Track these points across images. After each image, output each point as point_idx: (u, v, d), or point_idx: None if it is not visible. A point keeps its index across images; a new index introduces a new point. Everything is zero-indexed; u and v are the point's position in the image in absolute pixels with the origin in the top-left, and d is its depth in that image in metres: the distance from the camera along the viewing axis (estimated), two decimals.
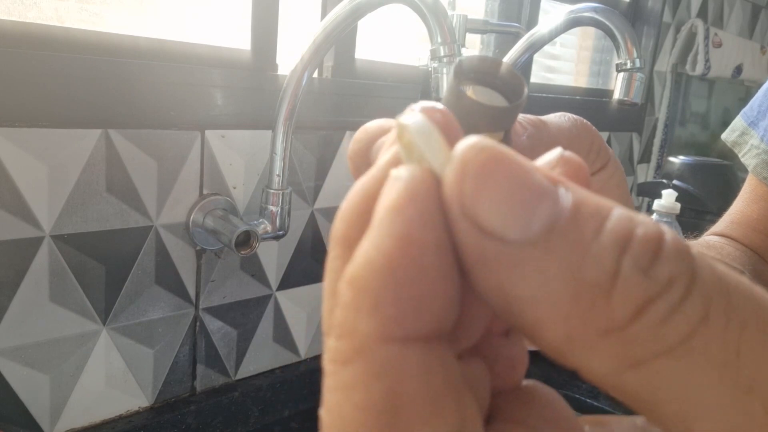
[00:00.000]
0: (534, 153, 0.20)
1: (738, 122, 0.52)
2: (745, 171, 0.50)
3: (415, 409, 0.10)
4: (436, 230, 0.10)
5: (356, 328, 0.10)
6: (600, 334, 0.10)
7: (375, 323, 0.10)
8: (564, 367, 0.11)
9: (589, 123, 0.25)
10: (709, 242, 0.45)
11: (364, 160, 0.18)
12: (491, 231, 0.10)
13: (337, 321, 0.10)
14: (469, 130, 0.15)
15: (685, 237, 0.47)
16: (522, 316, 0.10)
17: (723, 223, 0.48)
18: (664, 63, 1.54)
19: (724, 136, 0.53)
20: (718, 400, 0.09)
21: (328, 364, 0.10)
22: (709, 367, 0.09)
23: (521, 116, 0.22)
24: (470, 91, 0.17)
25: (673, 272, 0.10)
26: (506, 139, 0.18)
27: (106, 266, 0.63)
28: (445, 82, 0.63)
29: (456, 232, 0.10)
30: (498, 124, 0.16)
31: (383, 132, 0.18)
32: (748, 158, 0.49)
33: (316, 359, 0.86)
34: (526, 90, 0.17)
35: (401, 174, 0.11)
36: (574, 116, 0.24)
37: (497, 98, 0.17)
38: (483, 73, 0.17)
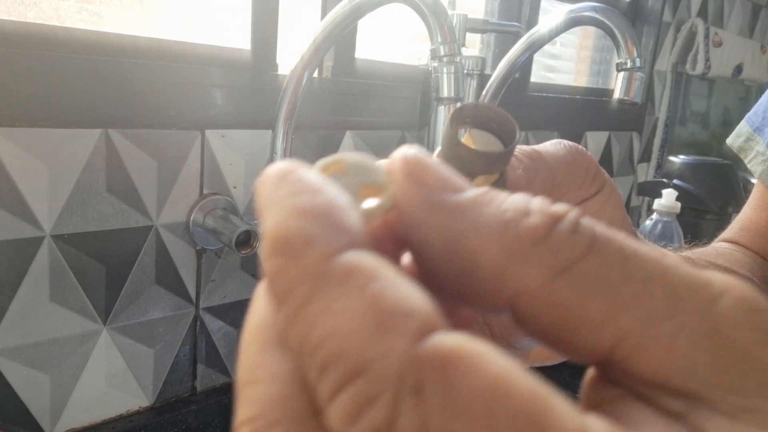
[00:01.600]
0: (530, 184, 0.23)
1: (743, 127, 0.51)
2: (746, 171, 0.49)
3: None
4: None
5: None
6: (531, 245, 0.12)
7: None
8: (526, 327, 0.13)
9: (583, 149, 0.26)
10: (718, 249, 0.45)
11: None
12: (437, 187, 0.13)
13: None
14: (466, 174, 0.18)
15: (690, 242, 0.47)
16: (465, 247, 0.12)
17: (732, 230, 0.48)
18: (664, 62, 1.53)
19: (729, 141, 0.53)
20: (629, 290, 0.11)
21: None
22: (618, 262, 0.12)
23: (516, 148, 0.23)
24: (467, 134, 0.19)
25: (567, 208, 0.13)
26: (502, 177, 0.19)
27: (107, 266, 0.63)
28: (446, 82, 0.63)
29: (410, 198, 0.13)
30: (493, 167, 0.18)
31: None
32: (754, 165, 0.49)
33: None
34: (518, 134, 0.18)
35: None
36: (570, 143, 0.26)
37: (493, 140, 0.19)
38: (479, 117, 0.19)
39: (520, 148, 0.24)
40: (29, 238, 0.58)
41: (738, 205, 1.23)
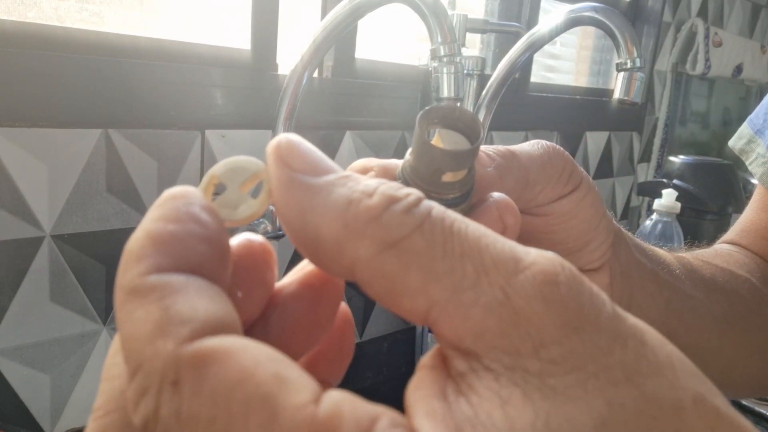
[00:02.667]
0: (502, 181, 0.24)
1: (744, 129, 0.52)
2: (747, 171, 0.49)
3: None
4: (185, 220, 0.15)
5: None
6: (366, 221, 0.14)
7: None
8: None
9: (560, 149, 0.27)
10: (717, 250, 0.45)
11: None
12: (301, 170, 0.15)
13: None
14: (434, 171, 0.20)
15: (690, 244, 0.47)
16: (312, 222, 0.14)
17: (733, 231, 0.48)
18: (664, 62, 1.53)
19: (731, 143, 0.53)
20: (445, 265, 0.13)
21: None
22: (440, 241, 0.13)
23: (491, 148, 0.25)
24: (437, 134, 0.20)
25: (408, 192, 0.14)
26: (470, 173, 0.21)
27: (106, 266, 0.63)
28: (446, 82, 0.63)
29: (276, 179, 0.15)
30: (459, 164, 0.20)
31: (366, 171, 0.22)
32: (755, 167, 0.49)
33: None
34: (483, 133, 0.20)
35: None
36: (546, 143, 0.27)
37: (461, 139, 0.20)
38: (447, 118, 0.20)
39: (495, 148, 0.25)
40: (29, 238, 0.58)
41: (738, 206, 1.23)
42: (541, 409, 0.11)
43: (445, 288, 0.13)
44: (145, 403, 0.12)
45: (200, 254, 0.14)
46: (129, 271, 0.13)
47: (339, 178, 0.15)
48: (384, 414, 0.12)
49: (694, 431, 0.12)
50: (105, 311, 0.64)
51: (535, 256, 0.13)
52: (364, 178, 0.15)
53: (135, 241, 0.14)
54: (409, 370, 0.94)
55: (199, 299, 0.13)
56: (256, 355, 0.12)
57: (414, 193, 0.14)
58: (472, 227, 0.14)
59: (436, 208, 0.14)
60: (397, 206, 0.14)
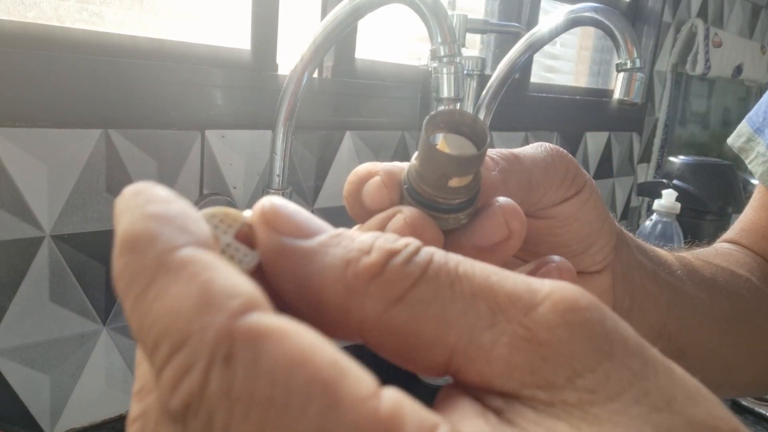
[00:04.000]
0: (506, 185, 0.24)
1: (744, 127, 0.51)
2: (746, 171, 0.49)
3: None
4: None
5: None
6: (368, 280, 0.13)
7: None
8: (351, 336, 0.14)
9: (564, 151, 0.27)
10: (718, 249, 0.45)
11: (356, 199, 0.21)
12: (290, 233, 0.15)
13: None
14: (441, 177, 0.19)
15: (691, 243, 0.47)
16: (312, 288, 0.14)
17: (733, 231, 0.48)
18: (664, 63, 1.53)
19: (730, 141, 0.52)
20: (457, 308, 0.13)
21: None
22: (447, 285, 0.13)
23: (494, 151, 0.25)
24: (442, 139, 0.20)
25: (406, 243, 0.14)
26: (476, 178, 0.20)
27: (106, 266, 0.63)
28: (446, 82, 0.63)
29: (265, 245, 0.15)
30: (466, 170, 0.19)
31: (371, 175, 0.21)
32: (754, 165, 0.49)
33: None
34: (489, 137, 0.19)
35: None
36: (550, 146, 0.27)
37: (467, 144, 0.20)
38: (453, 122, 0.20)
39: (498, 151, 0.25)
40: (29, 238, 0.58)
41: (738, 206, 1.23)
42: None
43: (462, 332, 0.13)
44: (190, 381, 0.11)
45: (208, 233, 0.13)
46: (145, 251, 0.12)
47: (331, 238, 0.14)
48: (443, 423, 0.11)
49: None
50: (105, 311, 0.64)
51: (552, 285, 0.13)
52: (357, 234, 0.15)
53: (135, 224, 0.13)
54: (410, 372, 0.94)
55: (235, 275, 0.12)
56: (312, 339, 0.11)
57: (412, 242, 0.14)
58: (479, 266, 0.14)
59: (438, 253, 0.14)
60: (398, 259, 0.14)
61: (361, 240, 0.14)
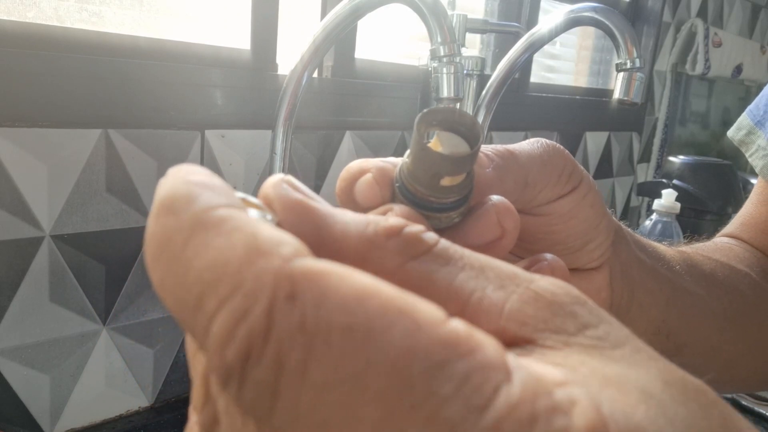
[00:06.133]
0: (501, 182, 0.24)
1: (744, 120, 0.51)
2: (745, 170, 0.49)
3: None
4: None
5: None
6: (387, 236, 0.14)
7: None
8: None
9: (560, 147, 0.27)
10: (717, 243, 0.45)
11: (348, 197, 0.21)
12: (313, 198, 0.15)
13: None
14: (433, 176, 0.19)
15: (690, 238, 0.47)
16: (331, 238, 0.14)
17: (733, 225, 0.48)
18: (664, 62, 1.53)
19: (730, 133, 0.52)
20: (468, 273, 0.14)
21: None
22: (457, 256, 0.14)
23: (489, 148, 0.24)
24: (436, 137, 0.20)
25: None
26: (469, 176, 0.20)
27: (106, 266, 0.63)
28: (445, 82, 0.63)
29: (285, 200, 0.15)
30: (458, 169, 0.19)
31: (363, 172, 0.21)
32: (755, 159, 0.49)
33: None
34: (483, 136, 0.19)
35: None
36: (547, 142, 0.26)
37: (460, 142, 0.20)
38: (446, 120, 0.19)
39: (493, 148, 0.24)
40: (29, 238, 0.58)
41: (737, 206, 1.23)
42: (613, 369, 0.12)
43: (474, 290, 0.14)
44: (249, 326, 0.10)
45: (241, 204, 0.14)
46: (183, 210, 0.12)
47: (344, 210, 0.15)
48: (510, 350, 0.12)
49: (719, 403, 0.12)
50: (105, 311, 0.64)
51: (542, 276, 0.14)
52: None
53: (175, 187, 0.12)
54: None
55: (278, 230, 0.12)
56: (371, 278, 0.11)
57: (418, 224, 0.15)
58: (480, 254, 0.15)
59: (443, 239, 0.15)
60: (412, 228, 0.15)
61: (373, 214, 0.15)
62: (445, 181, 0.19)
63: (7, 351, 0.58)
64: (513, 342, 0.13)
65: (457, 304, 0.14)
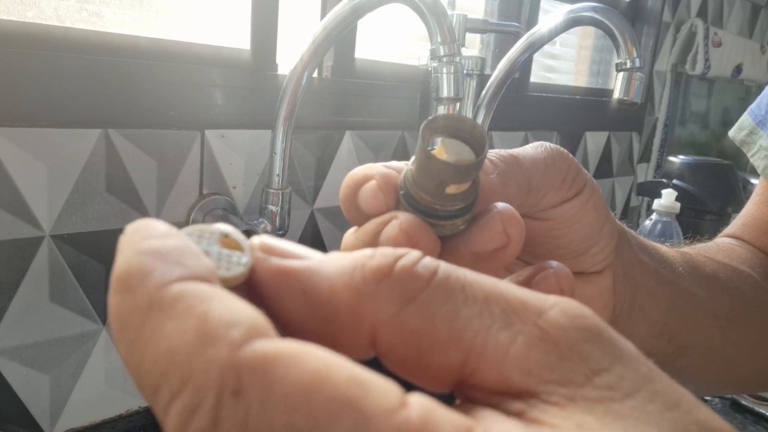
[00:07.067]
0: (505, 188, 0.23)
1: (745, 120, 0.51)
2: (745, 170, 0.49)
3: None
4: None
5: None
6: (377, 281, 0.13)
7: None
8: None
9: (564, 151, 0.26)
10: (719, 244, 0.45)
11: (352, 203, 0.21)
12: (288, 256, 0.15)
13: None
14: (438, 183, 0.19)
15: (692, 239, 0.47)
16: (320, 298, 0.14)
17: (735, 225, 0.48)
18: (664, 62, 1.53)
19: (731, 133, 0.52)
20: (471, 310, 0.13)
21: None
22: (459, 288, 0.13)
23: (493, 153, 0.24)
24: (440, 144, 0.20)
25: (408, 250, 0.14)
26: (474, 184, 0.20)
27: (106, 266, 0.63)
28: (445, 82, 0.63)
29: (264, 270, 0.14)
30: (463, 177, 0.19)
31: (367, 179, 0.21)
32: (757, 159, 0.49)
33: None
34: (488, 144, 0.19)
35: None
36: (551, 146, 0.26)
37: (465, 149, 0.19)
38: (451, 127, 0.19)
39: (497, 153, 0.24)
40: (29, 238, 0.58)
41: (737, 206, 1.23)
42: (618, 430, 0.11)
43: (478, 332, 0.13)
44: (198, 422, 0.10)
45: (207, 267, 0.13)
46: (137, 289, 0.12)
47: (328, 255, 0.14)
48: (477, 425, 0.11)
49: None
50: (104, 311, 0.64)
51: (556, 297, 0.13)
52: (351, 252, 0.15)
53: (128, 261, 0.12)
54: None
55: (234, 303, 0.12)
56: (324, 357, 0.11)
57: (412, 251, 0.14)
58: (486, 276, 0.14)
59: (444, 262, 0.14)
60: (405, 260, 0.14)
61: (361, 250, 0.14)
62: (451, 189, 0.19)
63: (7, 351, 0.58)
64: (517, 394, 0.12)
65: (460, 350, 0.13)
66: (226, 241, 0.15)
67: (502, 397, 0.13)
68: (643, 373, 0.12)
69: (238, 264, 0.14)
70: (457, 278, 0.13)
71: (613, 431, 0.11)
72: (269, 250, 0.15)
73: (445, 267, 0.14)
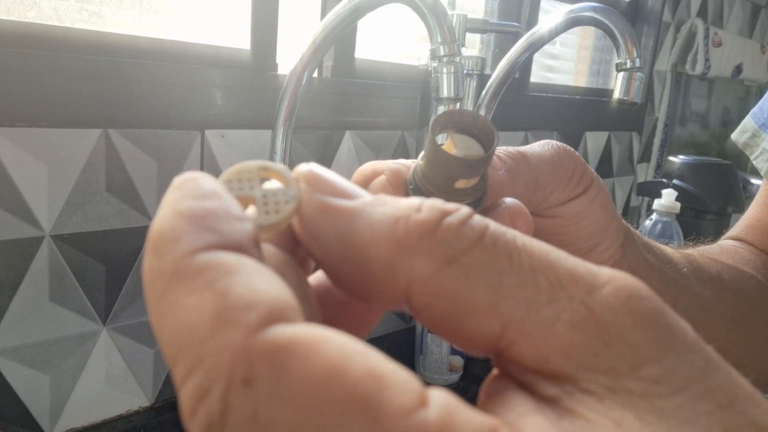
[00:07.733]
0: (513, 184, 0.24)
1: (748, 123, 0.51)
2: (745, 170, 0.49)
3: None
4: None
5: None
6: (419, 237, 0.12)
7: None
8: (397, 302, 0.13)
9: (571, 149, 0.26)
10: (723, 246, 0.45)
11: None
12: (333, 194, 0.14)
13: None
14: (447, 179, 0.19)
15: (693, 240, 0.47)
16: (357, 243, 0.13)
17: (738, 227, 0.48)
18: (664, 62, 1.53)
19: (734, 136, 0.52)
20: (515, 279, 0.12)
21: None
22: (505, 254, 0.12)
23: (501, 149, 0.24)
24: (449, 139, 0.20)
25: (458, 206, 0.13)
26: (482, 179, 0.20)
27: (106, 266, 0.63)
28: (445, 82, 0.63)
29: (307, 204, 0.14)
30: (472, 172, 0.19)
31: (376, 174, 0.21)
32: (760, 162, 0.49)
33: None
34: (497, 139, 0.19)
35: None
36: (558, 144, 0.26)
37: (474, 145, 0.19)
38: (461, 122, 0.19)
39: (505, 150, 0.24)
40: (29, 238, 0.58)
41: (737, 206, 1.23)
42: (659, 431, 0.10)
43: (519, 304, 0.12)
44: (208, 407, 0.10)
45: (243, 231, 0.12)
46: (165, 253, 0.11)
47: (375, 199, 0.14)
48: (501, 426, 0.10)
49: None
50: (104, 311, 0.64)
51: (611, 271, 0.12)
52: (400, 198, 0.14)
53: (163, 221, 0.12)
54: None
55: (258, 280, 0.11)
56: (342, 347, 0.10)
57: (463, 207, 0.13)
58: (537, 242, 0.13)
59: (494, 223, 0.13)
60: (452, 218, 0.13)
61: (408, 200, 0.13)
62: (460, 184, 0.19)
63: (7, 351, 0.58)
64: (554, 377, 0.12)
65: (498, 321, 0.12)
66: (266, 174, 0.15)
67: (537, 376, 0.12)
68: (698, 366, 0.11)
69: (286, 202, 0.14)
70: (505, 243, 0.12)
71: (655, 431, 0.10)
72: (316, 183, 0.14)
73: (494, 229, 0.13)
